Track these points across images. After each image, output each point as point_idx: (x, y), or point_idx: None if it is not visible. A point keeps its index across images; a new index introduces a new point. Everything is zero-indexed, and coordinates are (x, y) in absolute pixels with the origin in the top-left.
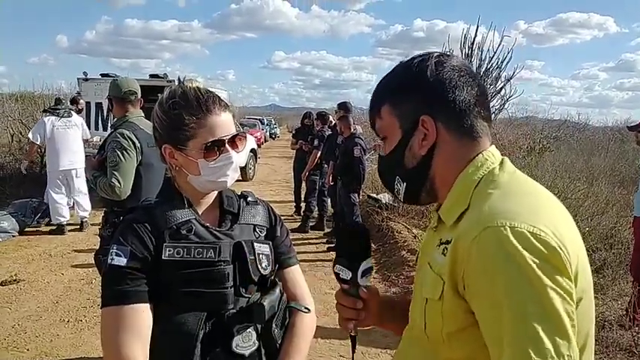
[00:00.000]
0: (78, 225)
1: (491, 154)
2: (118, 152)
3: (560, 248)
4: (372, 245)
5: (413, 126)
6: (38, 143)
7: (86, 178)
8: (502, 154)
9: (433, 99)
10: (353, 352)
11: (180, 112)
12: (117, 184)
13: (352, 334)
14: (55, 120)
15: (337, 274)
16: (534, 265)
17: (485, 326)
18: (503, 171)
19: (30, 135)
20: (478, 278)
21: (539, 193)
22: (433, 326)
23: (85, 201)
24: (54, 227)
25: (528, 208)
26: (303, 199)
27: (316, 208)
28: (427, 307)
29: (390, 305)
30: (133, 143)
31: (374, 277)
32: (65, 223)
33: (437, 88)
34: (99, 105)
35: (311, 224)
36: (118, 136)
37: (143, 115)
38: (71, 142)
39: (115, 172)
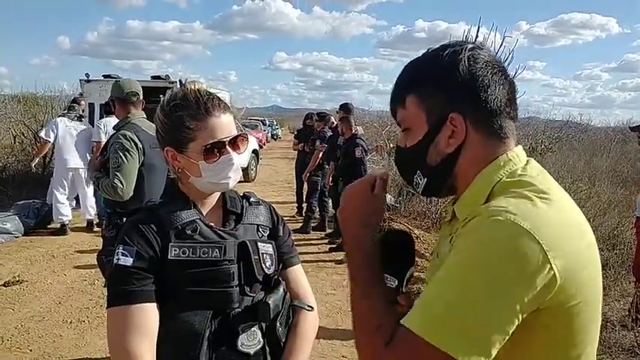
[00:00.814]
0: (81, 226)
1: (515, 155)
2: (120, 153)
3: (549, 259)
4: None
5: (440, 122)
6: (51, 140)
7: (90, 178)
8: None
9: (464, 96)
10: None
11: (180, 114)
12: (119, 184)
13: None
14: (66, 121)
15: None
16: (505, 265)
17: (434, 278)
18: (526, 172)
19: (42, 133)
20: (455, 247)
21: (556, 200)
22: None
23: (92, 202)
24: (57, 227)
25: (536, 211)
26: (304, 199)
27: (317, 209)
28: None
29: None
30: (135, 144)
31: None
32: (68, 222)
33: (469, 86)
34: (104, 106)
35: (312, 225)
36: (120, 137)
37: (145, 116)
38: (80, 144)
39: (118, 173)
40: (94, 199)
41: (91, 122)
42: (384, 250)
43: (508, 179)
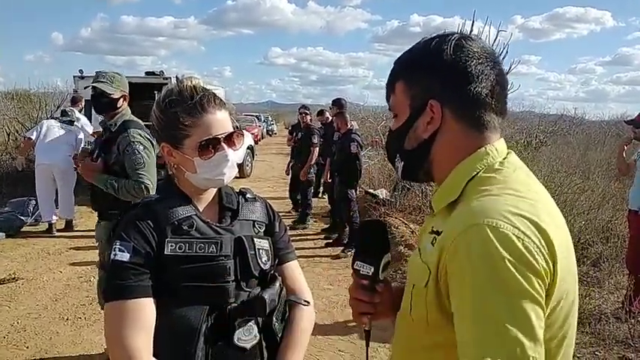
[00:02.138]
0: (64, 226)
1: (494, 149)
2: (143, 153)
3: (541, 253)
4: None
5: (421, 108)
6: (33, 138)
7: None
8: None
9: (445, 85)
10: (367, 346)
11: (175, 110)
12: (149, 183)
13: (367, 328)
14: (53, 122)
15: (357, 271)
16: (511, 267)
17: (457, 321)
18: (503, 167)
19: (27, 132)
20: (457, 275)
21: (531, 194)
22: (418, 312)
23: (70, 202)
24: (45, 228)
25: (515, 209)
26: (296, 195)
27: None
28: (413, 292)
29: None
30: (149, 140)
31: None
32: (54, 222)
33: (451, 75)
34: None
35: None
36: (136, 136)
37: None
38: (62, 143)
39: (145, 172)
40: (73, 199)
41: (88, 118)
42: (359, 240)
43: (484, 174)
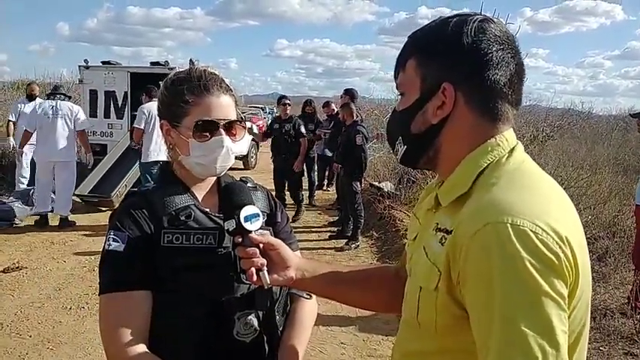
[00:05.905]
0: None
1: (504, 139)
2: None
3: (562, 250)
4: (374, 233)
5: (433, 90)
6: (25, 127)
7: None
8: None
9: (462, 69)
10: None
11: (180, 88)
12: None
13: (265, 287)
14: (42, 105)
15: (227, 230)
16: (532, 269)
17: (476, 325)
18: (512, 159)
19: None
20: (474, 277)
21: (545, 187)
22: (426, 315)
23: (62, 197)
24: (38, 218)
25: (532, 204)
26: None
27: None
28: (421, 295)
29: (314, 266)
30: None
31: (374, 263)
32: (45, 213)
33: (469, 58)
34: (110, 93)
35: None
36: None
37: None
38: (61, 136)
39: None
40: (71, 192)
41: (94, 109)
42: (222, 203)
43: (494, 166)
